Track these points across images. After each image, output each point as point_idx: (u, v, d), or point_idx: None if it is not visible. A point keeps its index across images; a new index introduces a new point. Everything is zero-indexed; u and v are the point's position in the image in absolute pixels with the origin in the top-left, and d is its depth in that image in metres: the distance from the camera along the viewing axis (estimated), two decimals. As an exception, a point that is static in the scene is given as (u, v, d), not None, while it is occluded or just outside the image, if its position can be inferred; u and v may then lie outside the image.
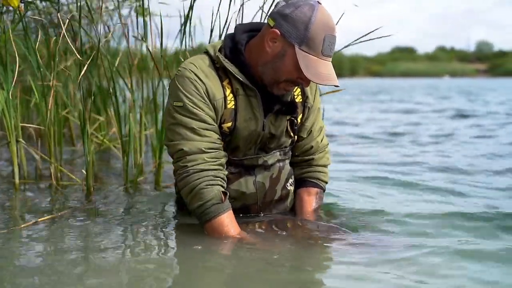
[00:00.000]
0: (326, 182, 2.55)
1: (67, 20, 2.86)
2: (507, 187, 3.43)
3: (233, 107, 2.21)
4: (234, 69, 2.19)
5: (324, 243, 2.17)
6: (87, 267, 1.91)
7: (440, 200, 3.08)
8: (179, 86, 2.17)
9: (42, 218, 2.55)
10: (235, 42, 2.22)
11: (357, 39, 3.13)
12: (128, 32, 3.39)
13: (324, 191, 2.55)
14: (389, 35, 3.07)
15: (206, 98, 2.16)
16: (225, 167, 2.24)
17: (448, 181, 3.60)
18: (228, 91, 2.20)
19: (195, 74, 2.17)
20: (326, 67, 2.08)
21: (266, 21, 2.17)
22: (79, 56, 2.90)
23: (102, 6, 3.24)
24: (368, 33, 3.07)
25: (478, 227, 2.48)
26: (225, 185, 2.20)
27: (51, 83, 3.10)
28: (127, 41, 3.37)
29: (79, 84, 2.99)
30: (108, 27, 3.85)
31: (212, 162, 2.16)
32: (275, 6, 2.15)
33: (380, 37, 3.06)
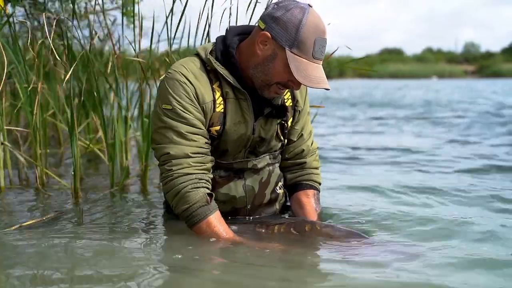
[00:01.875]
0: (320, 184, 2.55)
1: (55, 20, 2.84)
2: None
3: (222, 110, 2.20)
4: (225, 72, 2.18)
5: (341, 247, 2.13)
6: (72, 271, 1.89)
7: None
8: (168, 88, 2.16)
9: (27, 222, 2.53)
10: (227, 45, 2.21)
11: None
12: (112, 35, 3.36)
13: (319, 192, 2.54)
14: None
15: (195, 102, 2.15)
16: (211, 171, 2.23)
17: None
18: (217, 94, 2.20)
19: (185, 77, 2.15)
20: (317, 70, 2.08)
21: (256, 24, 2.16)
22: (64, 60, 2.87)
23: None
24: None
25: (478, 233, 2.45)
26: (210, 187, 2.19)
27: (38, 86, 3.07)
28: (113, 44, 3.35)
29: (68, 86, 2.97)
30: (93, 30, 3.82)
31: (197, 166, 2.15)
32: (266, 8, 2.14)
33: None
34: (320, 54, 2.08)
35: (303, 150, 2.47)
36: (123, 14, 3.37)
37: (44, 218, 2.61)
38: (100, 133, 4.23)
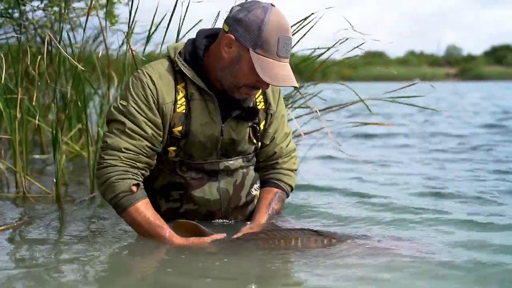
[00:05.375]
0: (291, 186, 2.52)
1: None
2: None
3: (184, 111, 2.21)
4: (192, 74, 2.20)
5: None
6: (44, 279, 1.85)
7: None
8: (130, 86, 2.21)
9: (1, 228, 2.50)
10: (195, 47, 2.23)
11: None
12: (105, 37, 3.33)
13: (287, 194, 2.52)
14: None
15: (152, 104, 2.18)
16: (146, 170, 2.23)
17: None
18: (180, 95, 2.21)
19: (150, 77, 2.19)
20: (283, 68, 2.09)
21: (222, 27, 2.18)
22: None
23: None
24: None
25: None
26: (139, 179, 2.20)
27: (17, 95, 3.04)
28: (106, 47, 3.33)
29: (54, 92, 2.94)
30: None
31: (126, 161, 2.17)
32: (230, 11, 2.16)
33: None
34: (285, 52, 2.09)
35: (276, 152, 2.46)
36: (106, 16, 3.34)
37: (16, 224, 2.58)
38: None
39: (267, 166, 2.49)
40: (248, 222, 2.37)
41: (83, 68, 2.96)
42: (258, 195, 2.48)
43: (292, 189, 2.53)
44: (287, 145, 2.49)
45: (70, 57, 2.88)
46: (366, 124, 3.70)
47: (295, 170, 2.54)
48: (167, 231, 2.15)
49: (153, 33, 3.10)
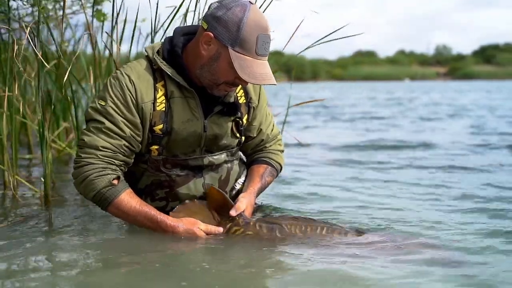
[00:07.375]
0: (280, 165, 2.57)
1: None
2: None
3: (164, 109, 2.22)
4: (172, 71, 2.21)
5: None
6: (34, 278, 1.84)
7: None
8: (108, 86, 2.21)
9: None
10: (173, 45, 2.24)
11: (321, 39, 3.16)
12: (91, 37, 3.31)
13: (277, 171, 2.55)
14: (353, 35, 3.11)
15: (131, 105, 2.18)
16: (124, 167, 2.24)
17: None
18: (160, 94, 2.22)
19: (128, 76, 2.19)
20: (262, 67, 2.11)
21: (200, 24, 2.18)
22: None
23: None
24: (331, 33, 3.10)
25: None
26: (118, 173, 2.20)
27: (5, 94, 3.02)
28: (92, 47, 3.31)
29: (37, 89, 2.92)
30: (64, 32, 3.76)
31: (104, 159, 2.17)
32: (208, 8, 2.16)
33: (343, 37, 3.09)
34: (264, 51, 2.11)
35: (263, 139, 2.51)
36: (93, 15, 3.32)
37: (5, 223, 2.57)
38: (71, 136, 4.19)
39: (255, 152, 2.53)
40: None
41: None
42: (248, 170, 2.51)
43: (281, 167, 2.57)
44: (272, 131, 2.54)
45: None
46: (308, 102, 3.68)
47: (282, 151, 2.59)
48: (157, 215, 2.18)
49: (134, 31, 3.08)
